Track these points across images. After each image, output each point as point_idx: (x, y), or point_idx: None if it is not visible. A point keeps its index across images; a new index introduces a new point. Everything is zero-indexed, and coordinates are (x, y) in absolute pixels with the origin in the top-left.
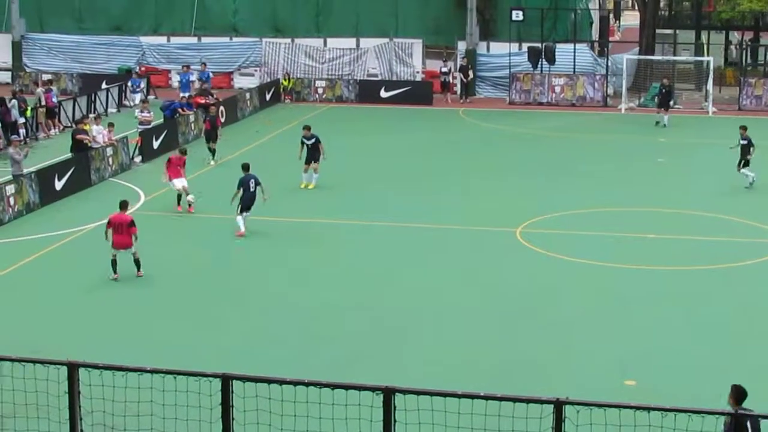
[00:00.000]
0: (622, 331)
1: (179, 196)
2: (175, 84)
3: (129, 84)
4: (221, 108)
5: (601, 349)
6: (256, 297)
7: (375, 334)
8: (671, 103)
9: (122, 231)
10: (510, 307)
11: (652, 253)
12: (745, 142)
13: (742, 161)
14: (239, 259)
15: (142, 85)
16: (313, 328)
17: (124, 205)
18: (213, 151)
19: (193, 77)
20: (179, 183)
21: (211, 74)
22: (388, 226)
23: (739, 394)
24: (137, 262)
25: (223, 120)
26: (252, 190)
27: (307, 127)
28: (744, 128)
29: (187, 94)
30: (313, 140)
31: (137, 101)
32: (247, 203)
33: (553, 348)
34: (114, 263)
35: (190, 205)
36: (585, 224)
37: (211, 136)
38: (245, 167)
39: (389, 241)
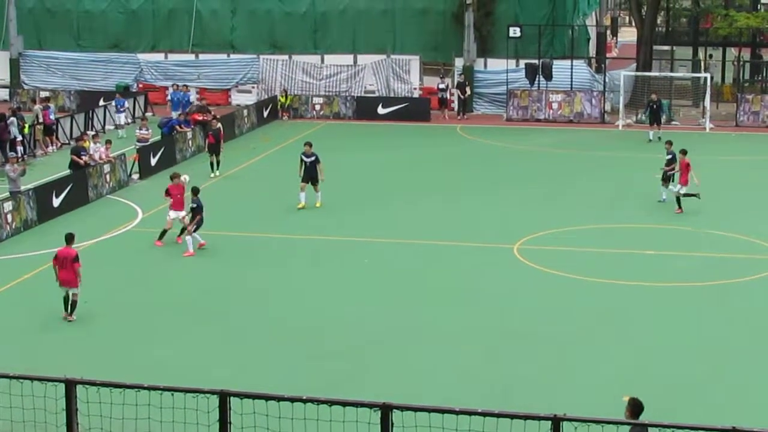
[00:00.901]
0: (621, 348)
1: (164, 232)
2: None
3: (113, 104)
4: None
5: (600, 366)
6: (255, 315)
7: (372, 351)
8: (663, 118)
9: (66, 266)
10: (508, 324)
11: (651, 269)
12: (670, 156)
13: (671, 176)
14: (237, 277)
15: (127, 104)
16: (311, 345)
17: (69, 239)
18: (217, 164)
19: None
20: (174, 214)
21: (191, 97)
22: (384, 243)
23: (635, 407)
24: (72, 305)
25: None
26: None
27: (308, 144)
28: (669, 143)
29: (176, 113)
30: (313, 158)
31: (122, 121)
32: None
33: (551, 365)
34: (65, 301)
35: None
36: (583, 240)
37: (215, 150)
38: (195, 191)
39: (386, 257)
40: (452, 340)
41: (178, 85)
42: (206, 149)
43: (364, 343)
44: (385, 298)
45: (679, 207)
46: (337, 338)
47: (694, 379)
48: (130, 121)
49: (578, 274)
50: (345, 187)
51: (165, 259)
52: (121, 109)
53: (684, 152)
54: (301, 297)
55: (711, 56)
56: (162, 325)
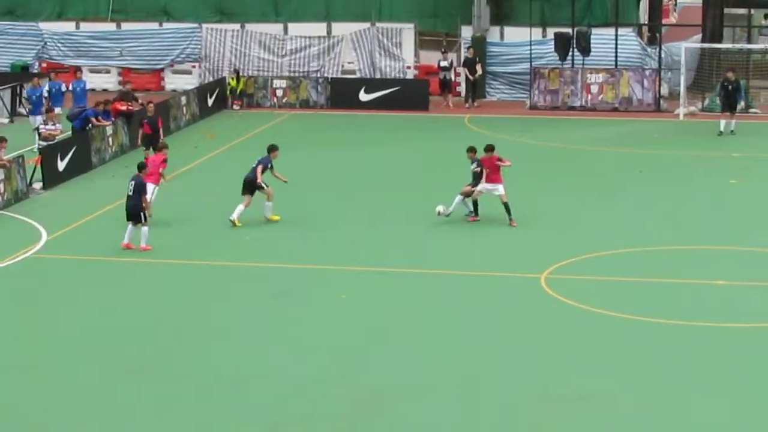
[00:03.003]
0: (681, 407)
1: None
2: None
3: (24, 95)
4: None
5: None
6: (199, 372)
7: (361, 411)
8: (740, 103)
9: None
10: (533, 380)
11: (721, 305)
12: (474, 164)
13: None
14: (174, 316)
15: (44, 91)
16: (292, 404)
17: None
18: None
19: (45, 90)
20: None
21: (64, 86)
22: (367, 273)
23: None
24: None
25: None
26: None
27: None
28: (473, 150)
29: (78, 108)
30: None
31: (39, 122)
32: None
33: (588, 430)
34: None
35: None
36: (631, 268)
37: (152, 142)
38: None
39: (370, 291)
40: (461, 399)
41: (56, 73)
42: (139, 142)
43: (347, 402)
44: (369, 347)
45: (476, 214)
46: (317, 397)
47: None
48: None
49: (625, 313)
50: (315, 197)
51: (78, 291)
52: (37, 98)
53: (491, 148)
54: (258, 345)
55: None
56: (74, 386)
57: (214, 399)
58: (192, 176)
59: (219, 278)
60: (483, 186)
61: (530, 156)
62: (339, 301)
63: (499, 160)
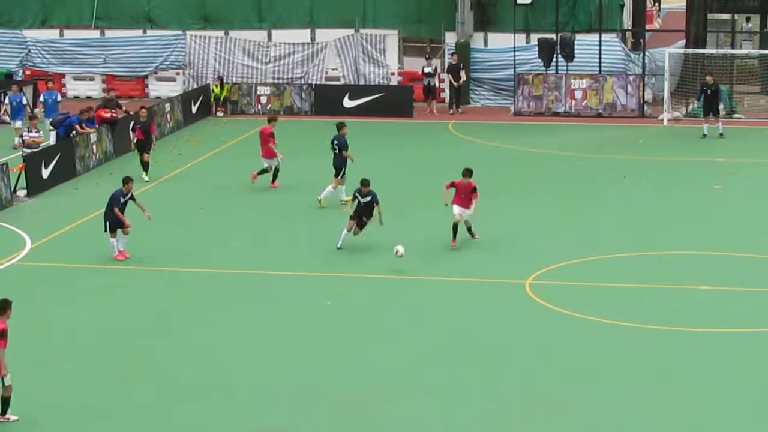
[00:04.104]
0: (663, 412)
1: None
2: (71, 94)
3: (6, 102)
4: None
5: None
6: (187, 371)
7: (346, 415)
8: (721, 107)
9: None
10: (517, 386)
11: (705, 310)
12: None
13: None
14: (161, 327)
15: (25, 100)
16: (279, 409)
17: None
18: (146, 165)
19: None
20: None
21: (25, 99)
22: (352, 279)
23: None
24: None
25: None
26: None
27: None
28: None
29: (62, 115)
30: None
31: (18, 125)
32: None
33: None
34: None
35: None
36: (615, 273)
37: (145, 147)
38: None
39: (355, 298)
40: (445, 404)
41: (19, 86)
42: (133, 147)
43: (332, 412)
44: (354, 352)
45: (454, 239)
46: (295, 409)
47: None
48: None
49: (608, 317)
50: (299, 204)
51: (65, 301)
52: (18, 104)
53: (470, 173)
54: (243, 353)
55: None
56: (61, 391)
57: (201, 402)
58: (176, 183)
59: (205, 284)
60: (461, 210)
61: (514, 162)
62: (325, 307)
63: (474, 190)
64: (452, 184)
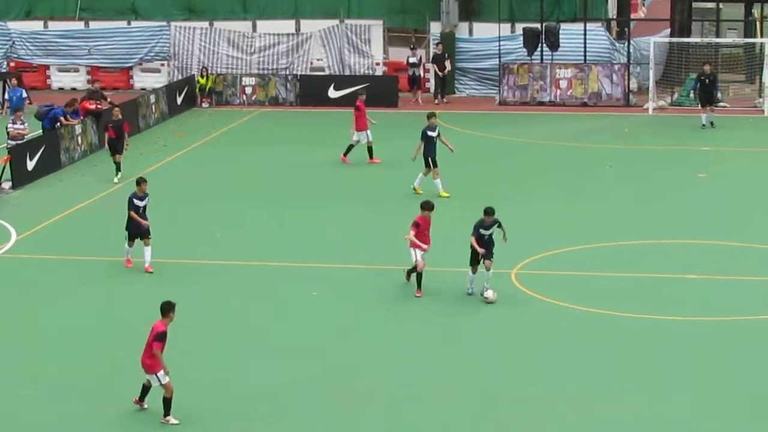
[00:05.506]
0: (653, 405)
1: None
2: (55, 86)
3: (6, 96)
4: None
5: (625, 429)
6: (173, 366)
7: (332, 409)
8: (717, 96)
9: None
10: (504, 378)
11: (693, 299)
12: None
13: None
14: (145, 317)
15: (25, 94)
16: (266, 401)
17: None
18: (117, 166)
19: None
20: (364, 136)
21: (25, 94)
22: (339, 270)
23: None
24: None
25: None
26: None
27: (433, 114)
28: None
29: (46, 107)
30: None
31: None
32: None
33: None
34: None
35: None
36: (601, 263)
37: (118, 147)
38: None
39: (341, 288)
40: (431, 396)
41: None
42: (106, 146)
43: (318, 406)
44: (340, 343)
45: (419, 288)
46: (269, 404)
47: None
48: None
49: (595, 307)
50: (286, 194)
51: (49, 291)
52: (18, 98)
53: (431, 207)
54: (231, 344)
55: None
56: (47, 385)
57: (187, 398)
58: (161, 174)
59: (191, 276)
60: (423, 255)
61: (500, 152)
62: (311, 298)
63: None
64: (415, 225)
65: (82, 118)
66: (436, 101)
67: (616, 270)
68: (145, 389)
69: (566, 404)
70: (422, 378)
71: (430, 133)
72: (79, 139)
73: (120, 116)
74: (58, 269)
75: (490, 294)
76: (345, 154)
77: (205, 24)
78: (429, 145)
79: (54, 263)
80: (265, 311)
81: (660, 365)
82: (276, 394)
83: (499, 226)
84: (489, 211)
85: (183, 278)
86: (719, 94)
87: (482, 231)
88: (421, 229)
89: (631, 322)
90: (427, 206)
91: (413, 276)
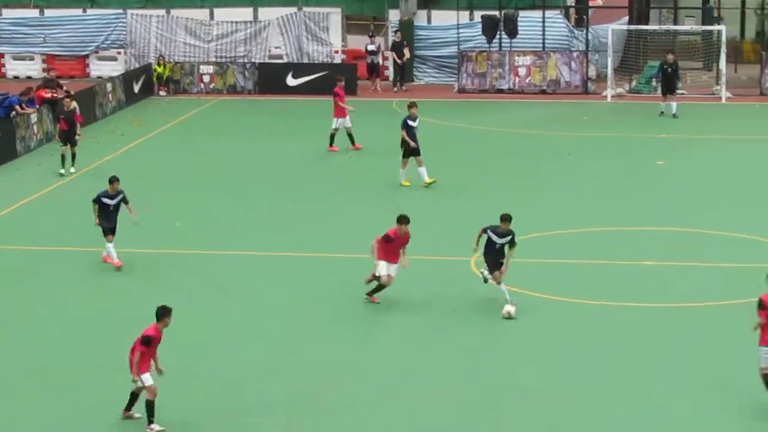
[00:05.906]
0: (614, 391)
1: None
2: (10, 74)
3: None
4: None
5: (591, 419)
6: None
7: (303, 402)
8: (678, 85)
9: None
10: (464, 370)
11: (649, 285)
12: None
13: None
14: (111, 306)
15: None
16: (234, 395)
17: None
18: (72, 157)
19: None
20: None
21: None
22: (300, 258)
23: None
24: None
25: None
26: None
27: (413, 105)
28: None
29: (1, 95)
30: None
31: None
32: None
33: (528, 427)
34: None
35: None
36: (560, 250)
37: (69, 138)
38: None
39: (302, 277)
40: (413, 392)
41: None
42: (57, 137)
43: (286, 399)
44: (311, 336)
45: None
46: (248, 394)
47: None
48: None
49: (558, 295)
50: (247, 183)
51: (8, 281)
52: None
53: (407, 221)
54: (197, 335)
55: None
56: (8, 377)
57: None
58: (118, 164)
59: (152, 265)
60: (390, 270)
61: (459, 140)
62: (279, 289)
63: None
64: (386, 238)
65: (37, 106)
66: (395, 89)
67: (575, 257)
68: (134, 397)
69: (527, 393)
70: (398, 369)
71: (410, 123)
72: (35, 128)
73: (72, 106)
74: (16, 260)
75: (508, 309)
76: (330, 144)
77: (162, 12)
78: (409, 135)
79: (12, 254)
80: (230, 302)
81: (619, 351)
82: (243, 386)
83: (512, 244)
84: (506, 218)
85: (144, 268)
86: (679, 84)
87: (495, 239)
88: (393, 244)
89: (591, 309)
90: (403, 220)
91: (375, 283)
